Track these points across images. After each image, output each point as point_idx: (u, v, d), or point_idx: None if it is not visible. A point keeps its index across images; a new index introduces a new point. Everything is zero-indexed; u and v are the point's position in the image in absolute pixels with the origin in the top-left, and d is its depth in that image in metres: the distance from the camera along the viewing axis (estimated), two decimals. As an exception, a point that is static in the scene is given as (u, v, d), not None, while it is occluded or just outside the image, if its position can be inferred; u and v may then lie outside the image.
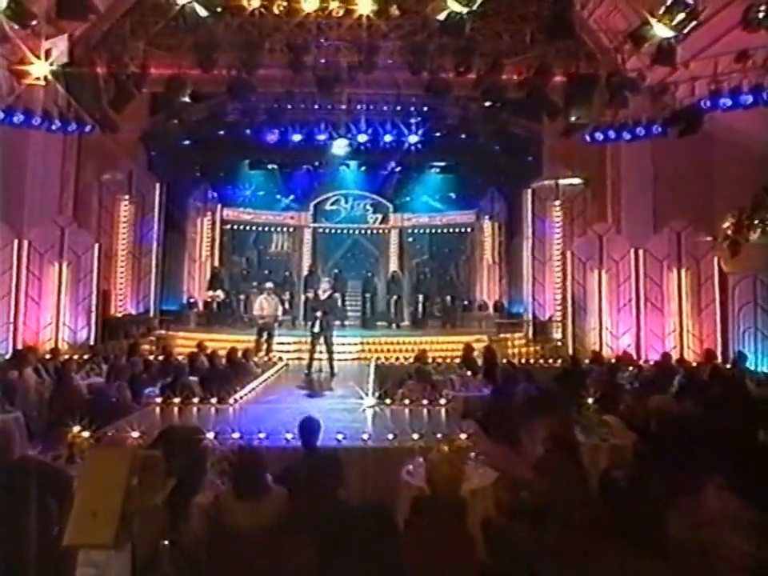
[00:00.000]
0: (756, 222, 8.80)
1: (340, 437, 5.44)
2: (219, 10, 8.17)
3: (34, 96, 9.88)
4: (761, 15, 7.45)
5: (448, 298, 13.65)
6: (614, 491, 5.11)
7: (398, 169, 14.08)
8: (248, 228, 15.06)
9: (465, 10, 8.06)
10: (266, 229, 15.26)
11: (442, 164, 13.93)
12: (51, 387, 7.72)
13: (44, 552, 3.23)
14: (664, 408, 5.87)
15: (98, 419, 5.54)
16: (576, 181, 11.94)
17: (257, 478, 3.62)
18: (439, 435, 5.40)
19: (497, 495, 4.50)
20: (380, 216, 15.28)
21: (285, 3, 7.73)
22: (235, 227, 14.89)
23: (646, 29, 7.84)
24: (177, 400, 6.82)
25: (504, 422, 6.60)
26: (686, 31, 7.65)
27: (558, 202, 12.06)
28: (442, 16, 8.20)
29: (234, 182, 14.33)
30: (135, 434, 5.25)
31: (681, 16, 7.55)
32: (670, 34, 7.73)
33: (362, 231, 15.40)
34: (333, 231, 15.37)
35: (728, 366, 9.20)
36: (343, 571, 3.71)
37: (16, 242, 10.39)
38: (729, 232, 9.32)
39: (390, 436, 5.57)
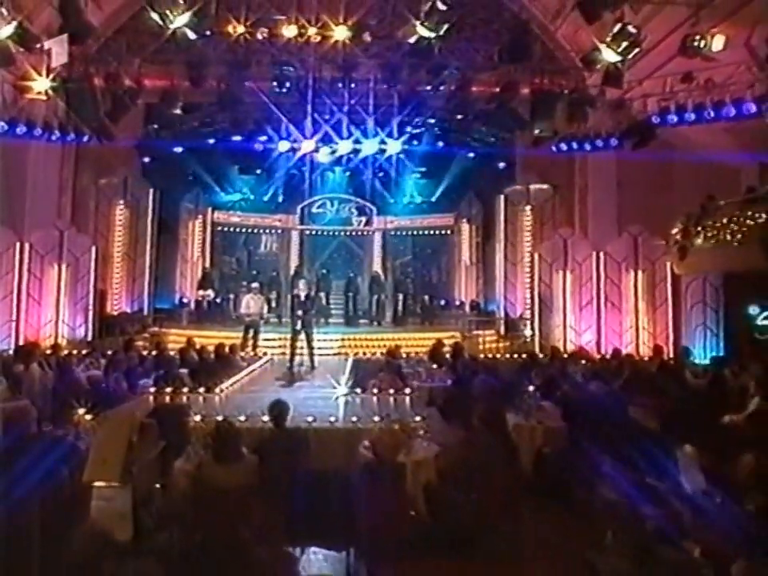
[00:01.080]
0: (700, 228, 9.61)
1: (310, 419, 6.24)
2: (208, 33, 8.94)
3: (36, 109, 10.59)
4: (695, 44, 8.29)
5: (426, 297, 14.44)
6: (544, 464, 5.98)
7: (380, 174, 14.83)
8: (238, 230, 15.80)
9: (432, 35, 8.87)
10: (255, 230, 16.00)
11: (423, 169, 14.67)
12: (54, 379, 8.44)
13: (58, 504, 4.02)
14: (589, 395, 6.68)
15: (98, 407, 6.33)
16: (546, 187, 12.74)
17: (233, 446, 4.40)
18: (394, 418, 6.20)
19: (437, 465, 5.31)
20: (364, 218, 16.02)
21: (266, 31, 8.49)
22: (225, 229, 15.62)
23: (596, 53, 8.62)
24: (168, 390, 7.58)
25: (462, 408, 7.40)
26: (630, 57, 8.43)
27: (528, 208, 12.88)
28: (412, 39, 9.01)
29: (223, 186, 15.05)
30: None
31: (625, 43, 8.35)
32: (616, 58, 8.51)
33: (347, 233, 16.15)
34: (319, 233, 16.11)
35: (674, 359, 10.03)
36: (304, 522, 4.57)
37: (18, 244, 11.08)
38: (678, 237, 10.13)
39: (354, 419, 6.38)
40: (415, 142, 12.95)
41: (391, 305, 14.53)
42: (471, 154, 13.19)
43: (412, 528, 4.62)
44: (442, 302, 14.82)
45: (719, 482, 4.02)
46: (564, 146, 11.20)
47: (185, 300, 14.37)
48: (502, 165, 13.16)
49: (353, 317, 14.26)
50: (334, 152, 13.18)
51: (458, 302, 14.79)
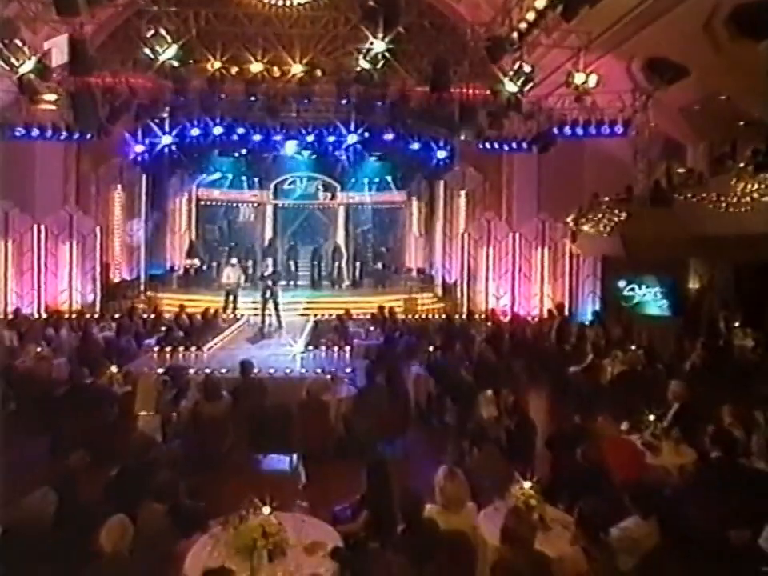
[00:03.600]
0: (584, 219, 12.16)
1: (272, 371, 8.91)
2: (191, 62, 11.00)
3: (42, 112, 12.57)
4: (574, 80, 10.60)
5: (381, 264, 16.98)
6: (430, 401, 8.66)
7: (342, 157, 16.98)
8: (219, 204, 18.05)
9: (371, 67, 11.06)
10: (234, 204, 18.26)
11: (378, 154, 16.83)
12: (78, 340, 10.90)
13: (106, 431, 6.60)
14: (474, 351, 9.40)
15: (119, 363, 8.86)
16: (478, 175, 15.13)
17: (216, 390, 7.04)
18: (329, 369, 8.87)
19: (354, 402, 7.98)
20: (329, 194, 18.28)
21: (237, 68, 10.57)
22: (208, 204, 17.85)
23: (499, 85, 10.88)
24: (168, 348, 10.12)
25: (387, 361, 10.07)
26: (526, 89, 10.71)
27: (463, 192, 15.31)
28: (357, 69, 11.18)
29: (206, 167, 17.09)
30: (145, 369, 8.63)
31: (522, 79, 10.62)
32: (515, 90, 10.78)
33: (315, 206, 18.48)
34: (290, 206, 18.42)
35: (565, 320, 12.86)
36: (262, 438, 7.19)
37: (35, 227, 13.33)
38: (571, 224, 12.71)
39: (303, 370, 9.07)
40: (367, 134, 15.01)
41: (350, 270, 17.03)
42: (417, 145, 15.32)
43: (332, 441, 7.36)
44: (394, 268, 17.39)
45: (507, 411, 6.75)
46: (488, 146, 13.50)
47: (174, 267, 16.76)
48: (443, 154, 15.35)
49: (317, 281, 16.80)
50: (299, 143, 15.40)
51: (407, 268, 17.38)
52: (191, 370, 8.51)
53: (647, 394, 6.95)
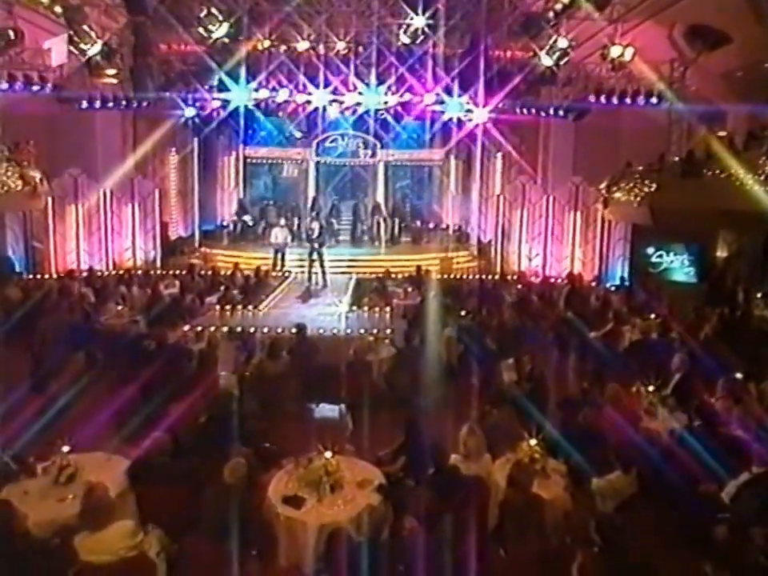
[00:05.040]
0: (616, 187, 12.58)
1: (321, 331, 10.02)
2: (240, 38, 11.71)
3: (106, 85, 13.48)
4: (609, 53, 10.88)
5: (418, 221, 17.74)
6: (460, 361, 9.61)
7: (383, 116, 17.47)
8: (264, 162, 18.94)
9: (410, 41, 11.57)
10: (279, 161, 19.12)
11: (418, 113, 17.22)
12: (148, 298, 12.14)
13: (186, 383, 7.81)
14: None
15: (179, 318, 10.06)
16: (514, 139, 15.50)
17: (277, 350, 8.19)
18: (371, 330, 9.91)
19: (394, 360, 9.03)
20: (370, 151, 18.89)
21: (285, 46, 11.21)
22: (254, 161, 18.76)
23: (535, 60, 11.25)
24: (228, 307, 11.28)
25: (422, 321, 11.03)
26: (561, 63, 11.05)
27: (500, 155, 15.75)
28: (398, 44, 11.72)
29: (251, 126, 17.88)
30: (212, 328, 9.84)
31: (558, 54, 10.96)
32: (550, 63, 11.15)
33: (356, 164, 19.14)
34: (332, 164, 19.14)
35: (593, 284, 13.54)
36: (315, 391, 8.34)
37: (101, 191, 14.54)
38: (603, 191, 13.15)
39: (348, 331, 10.15)
40: (408, 96, 15.43)
41: (389, 227, 17.80)
42: (455, 106, 15.62)
43: (375, 396, 8.46)
44: (431, 225, 18.12)
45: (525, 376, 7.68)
46: (525, 111, 13.85)
47: (224, 223, 17.91)
48: (480, 115, 15.62)
49: (358, 237, 17.70)
50: (341, 104, 15.94)
51: (444, 226, 18.08)
52: (253, 329, 9.69)
53: (656, 362, 7.70)
